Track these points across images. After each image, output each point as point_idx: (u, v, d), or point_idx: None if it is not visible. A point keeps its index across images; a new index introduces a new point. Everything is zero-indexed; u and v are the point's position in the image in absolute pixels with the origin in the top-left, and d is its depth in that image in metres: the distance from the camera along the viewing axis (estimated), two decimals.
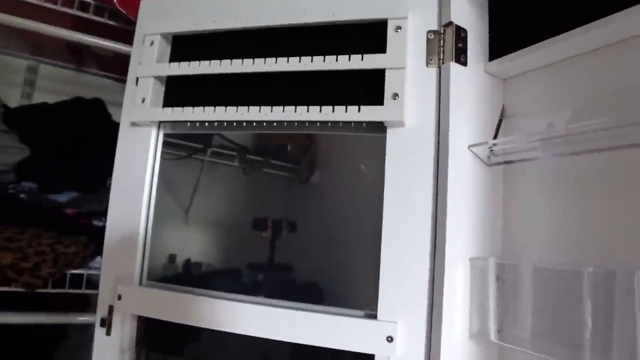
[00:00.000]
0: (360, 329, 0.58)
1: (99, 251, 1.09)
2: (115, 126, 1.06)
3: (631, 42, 0.52)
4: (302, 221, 1.37)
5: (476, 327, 0.59)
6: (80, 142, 1.19)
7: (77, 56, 1.39)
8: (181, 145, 1.22)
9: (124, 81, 1.40)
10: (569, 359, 0.51)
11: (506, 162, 0.62)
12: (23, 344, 1.04)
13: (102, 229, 1.08)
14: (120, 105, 1.22)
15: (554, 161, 0.59)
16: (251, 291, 0.70)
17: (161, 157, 0.77)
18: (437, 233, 0.58)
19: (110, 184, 1.09)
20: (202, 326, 0.63)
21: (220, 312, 0.63)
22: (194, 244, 1.23)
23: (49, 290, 0.97)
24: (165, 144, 0.77)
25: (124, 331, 0.70)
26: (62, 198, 1.14)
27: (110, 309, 0.71)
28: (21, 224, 1.04)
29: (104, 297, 0.72)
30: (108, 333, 0.71)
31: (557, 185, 0.60)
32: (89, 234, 1.10)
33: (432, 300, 0.58)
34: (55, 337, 1.10)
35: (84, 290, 1.00)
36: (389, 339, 0.57)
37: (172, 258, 0.97)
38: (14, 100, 1.34)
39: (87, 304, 1.05)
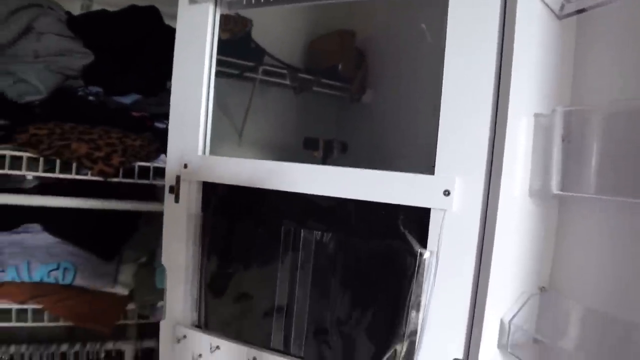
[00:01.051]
0: (417, 183, 0.59)
1: (162, 150, 1.16)
2: (170, 32, 1.08)
3: None
4: (353, 141, 1.37)
5: (537, 184, 0.58)
6: (138, 48, 1.23)
7: None
8: (235, 63, 1.23)
9: None
10: None
11: (579, 12, 0.57)
12: (103, 229, 1.16)
13: (164, 130, 1.14)
14: (171, 17, 1.23)
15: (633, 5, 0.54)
16: None
17: (215, 75, 0.77)
18: (501, 87, 0.56)
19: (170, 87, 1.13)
20: (265, 187, 0.67)
21: (283, 174, 0.66)
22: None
23: (121, 179, 1.05)
24: (219, 62, 0.77)
25: (190, 198, 0.75)
26: (127, 100, 1.20)
27: (177, 179, 0.76)
28: (90, 124, 1.12)
29: (171, 168, 0.77)
30: (176, 201, 0.76)
31: (634, 37, 0.55)
32: (153, 134, 1.17)
33: (492, 157, 0.57)
34: (128, 226, 1.21)
35: (151, 181, 1.08)
36: (446, 192, 0.57)
37: None
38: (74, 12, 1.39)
39: (154, 197, 1.14)
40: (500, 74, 0.56)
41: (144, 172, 1.08)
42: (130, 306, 1.14)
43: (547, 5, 0.57)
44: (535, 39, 0.57)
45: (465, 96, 0.56)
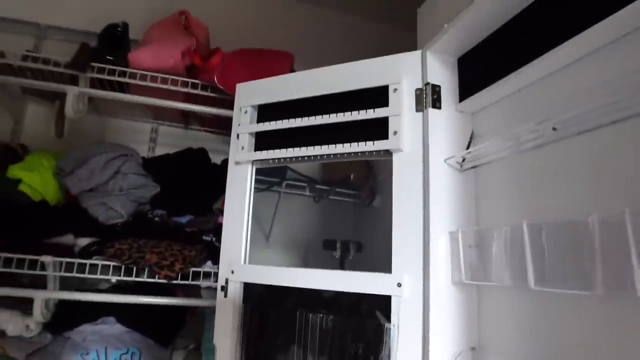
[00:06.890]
0: (381, 280, 0.92)
1: (208, 257, 1.53)
2: (215, 168, 1.53)
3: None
4: (368, 240, 1.68)
5: (456, 277, 0.91)
6: (191, 180, 1.67)
7: (186, 118, 1.91)
8: (263, 180, 1.65)
9: (219, 134, 1.89)
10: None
11: (473, 167, 0.95)
12: (162, 321, 1.49)
13: (211, 243, 1.52)
14: (215, 151, 1.72)
15: (510, 161, 0.91)
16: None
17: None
18: (424, 216, 0.92)
19: (216, 209, 1.54)
20: (288, 285, 1.02)
21: (296, 276, 1.01)
22: (275, 262, 1.61)
23: (179, 282, 1.40)
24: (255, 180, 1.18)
25: (235, 294, 1.10)
26: (183, 220, 1.61)
27: (226, 280, 1.11)
28: (157, 239, 1.51)
29: (222, 274, 1.13)
30: (225, 296, 1.11)
31: (511, 180, 0.92)
32: (202, 245, 1.55)
33: (426, 260, 0.91)
34: (180, 318, 1.54)
35: (201, 282, 1.43)
36: (399, 284, 0.91)
37: None
38: (142, 153, 1.87)
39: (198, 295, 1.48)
40: (425, 211, 0.92)
41: (195, 275, 1.44)
42: None
43: (451, 165, 0.95)
44: (446, 186, 0.94)
45: (406, 225, 0.93)
